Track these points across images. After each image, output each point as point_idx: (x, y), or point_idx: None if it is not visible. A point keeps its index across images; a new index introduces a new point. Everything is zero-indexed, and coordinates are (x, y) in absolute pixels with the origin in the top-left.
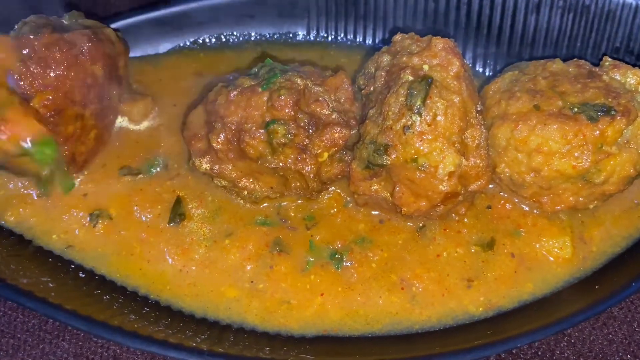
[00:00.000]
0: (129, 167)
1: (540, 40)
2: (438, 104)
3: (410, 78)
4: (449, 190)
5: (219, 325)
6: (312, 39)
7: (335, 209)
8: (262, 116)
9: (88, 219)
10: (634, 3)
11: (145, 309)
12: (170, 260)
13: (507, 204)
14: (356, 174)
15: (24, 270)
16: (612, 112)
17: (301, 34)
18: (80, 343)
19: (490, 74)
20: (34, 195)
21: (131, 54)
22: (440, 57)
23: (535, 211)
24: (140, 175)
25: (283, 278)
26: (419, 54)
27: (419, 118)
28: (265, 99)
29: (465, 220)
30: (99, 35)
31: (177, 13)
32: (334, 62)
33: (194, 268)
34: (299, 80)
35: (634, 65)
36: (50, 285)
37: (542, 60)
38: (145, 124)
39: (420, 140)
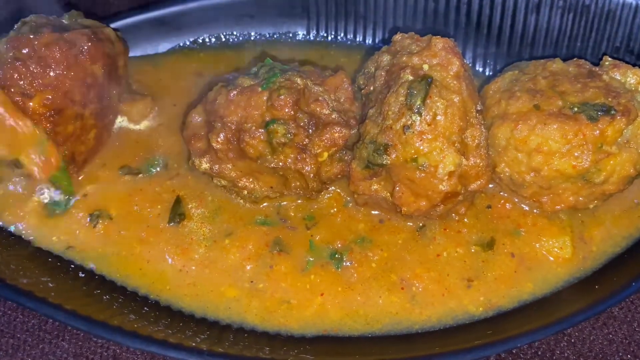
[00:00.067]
0: (129, 167)
1: (540, 40)
2: (438, 104)
3: (410, 78)
4: (449, 190)
5: (219, 325)
6: (312, 38)
7: (335, 209)
8: (262, 116)
9: (88, 219)
10: (634, 3)
11: (145, 308)
12: (170, 260)
13: (507, 204)
14: (356, 173)
15: (24, 270)
16: (612, 112)
17: (301, 33)
18: (80, 343)
19: (490, 73)
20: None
21: (131, 54)
22: (440, 57)
23: (535, 211)
24: (140, 175)
25: (283, 278)
26: (419, 53)
27: (418, 118)
28: (265, 98)
29: (465, 220)
30: (99, 35)
31: (176, 13)
32: (333, 62)
33: (193, 268)
34: (298, 80)
35: (634, 65)
36: (50, 285)
37: (542, 60)
38: (145, 124)
39: (420, 140)
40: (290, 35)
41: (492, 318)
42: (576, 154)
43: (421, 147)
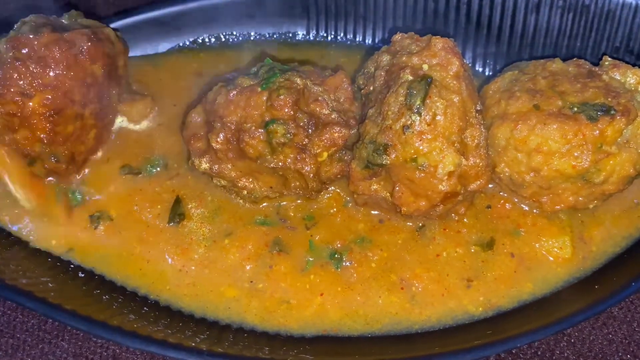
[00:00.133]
0: (130, 167)
1: (540, 40)
2: (437, 104)
3: (410, 78)
4: (449, 190)
5: (219, 325)
6: (311, 38)
7: (335, 209)
8: (262, 116)
9: (89, 220)
10: (633, 3)
11: (145, 308)
12: (169, 260)
13: (507, 204)
14: (356, 173)
15: (24, 270)
16: (612, 112)
17: (301, 33)
18: (80, 343)
19: (490, 73)
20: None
21: (131, 54)
22: (439, 57)
23: (535, 211)
24: (140, 175)
25: (282, 278)
26: (419, 53)
27: (418, 118)
28: (264, 98)
29: (465, 220)
30: (99, 34)
31: (176, 13)
32: (333, 62)
33: (193, 268)
34: (298, 80)
35: (633, 65)
36: (50, 285)
37: (541, 60)
38: (145, 124)
39: (420, 140)
40: (290, 35)
41: (491, 318)
42: (576, 154)
43: (421, 147)
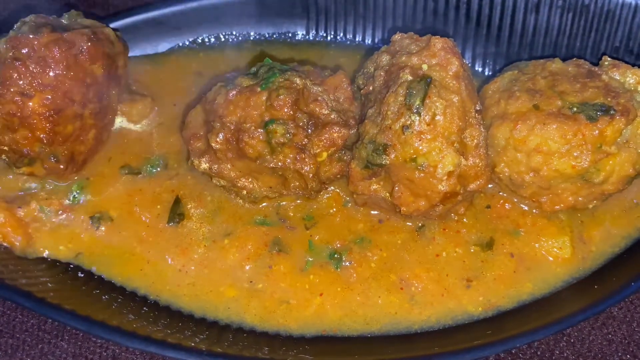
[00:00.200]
0: (129, 167)
1: (540, 40)
2: (437, 104)
3: (409, 78)
4: (448, 190)
5: (218, 325)
6: (311, 38)
7: (335, 209)
8: (261, 116)
9: (90, 222)
10: (633, 2)
11: (144, 308)
12: (169, 260)
13: (507, 204)
14: (355, 173)
15: (23, 270)
16: (612, 112)
17: (300, 33)
18: (79, 343)
19: (490, 73)
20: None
21: (130, 54)
22: (439, 57)
23: (534, 211)
24: (140, 175)
25: (282, 278)
26: (418, 53)
27: (418, 118)
28: (264, 98)
29: (465, 220)
30: (98, 34)
31: (176, 12)
32: (333, 62)
33: (193, 268)
34: (297, 80)
35: (633, 65)
36: (49, 285)
37: (541, 60)
38: (144, 123)
39: (419, 140)
40: (290, 35)
41: (491, 318)
42: (575, 154)
43: (420, 147)
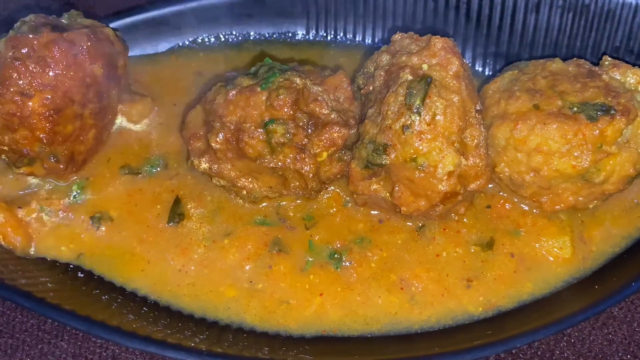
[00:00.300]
0: (129, 167)
1: (540, 40)
2: (437, 104)
3: (410, 77)
4: (448, 190)
5: (218, 325)
6: (311, 38)
7: (335, 209)
8: (261, 116)
9: (90, 222)
10: (633, 2)
11: (144, 309)
12: (169, 260)
13: (507, 204)
14: (355, 173)
15: (23, 271)
16: (612, 112)
17: (300, 33)
18: (79, 343)
19: (490, 73)
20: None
21: (130, 53)
22: (439, 57)
23: (534, 211)
24: (140, 175)
25: (282, 278)
26: (418, 53)
27: (418, 117)
28: (264, 98)
29: (465, 220)
30: (98, 34)
31: (176, 12)
32: (333, 62)
33: (193, 268)
34: (297, 80)
35: (633, 65)
36: (49, 285)
37: (541, 60)
38: (144, 123)
39: (420, 140)
40: (290, 34)
41: (491, 318)
42: (576, 154)
43: (420, 147)
